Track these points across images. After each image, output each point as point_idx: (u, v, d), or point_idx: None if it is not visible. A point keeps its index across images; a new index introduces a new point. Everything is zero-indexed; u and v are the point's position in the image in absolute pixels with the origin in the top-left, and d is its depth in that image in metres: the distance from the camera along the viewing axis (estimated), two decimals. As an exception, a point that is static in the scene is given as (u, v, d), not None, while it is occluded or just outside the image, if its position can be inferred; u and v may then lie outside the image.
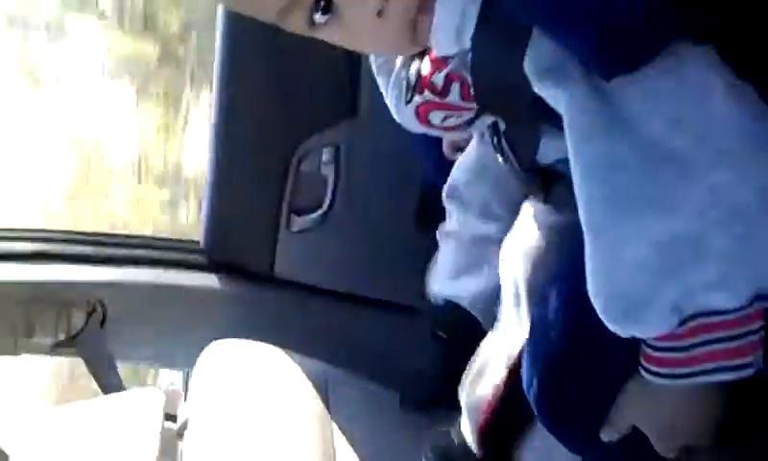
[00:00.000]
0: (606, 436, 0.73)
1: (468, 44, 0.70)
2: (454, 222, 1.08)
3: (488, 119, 0.82)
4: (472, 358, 0.97)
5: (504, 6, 0.66)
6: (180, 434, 1.20)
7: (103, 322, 1.44)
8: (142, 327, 1.48)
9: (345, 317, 1.48)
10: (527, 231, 0.85)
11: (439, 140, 1.13)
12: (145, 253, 1.49)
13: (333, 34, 0.72)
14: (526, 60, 0.65)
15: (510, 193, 0.92)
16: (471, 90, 0.76)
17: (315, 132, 1.38)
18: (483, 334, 0.97)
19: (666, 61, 0.60)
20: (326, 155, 1.38)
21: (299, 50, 1.31)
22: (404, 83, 0.82)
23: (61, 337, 1.41)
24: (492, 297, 0.93)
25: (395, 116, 0.88)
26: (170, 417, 1.22)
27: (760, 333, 0.63)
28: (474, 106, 0.80)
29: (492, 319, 0.94)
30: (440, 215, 1.14)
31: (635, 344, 0.67)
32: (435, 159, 1.15)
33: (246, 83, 1.36)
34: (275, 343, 1.32)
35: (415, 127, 0.86)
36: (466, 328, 0.99)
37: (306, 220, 1.43)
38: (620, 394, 0.71)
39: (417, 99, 0.82)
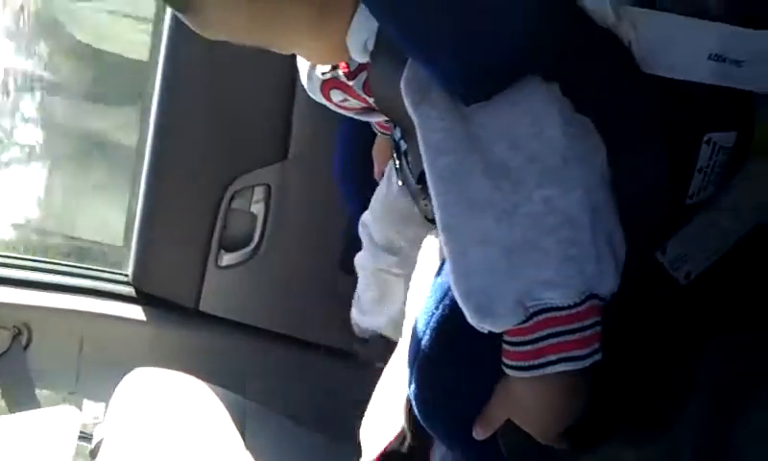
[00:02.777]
0: (478, 433, 0.78)
1: None
2: (364, 253, 1.15)
3: (380, 116, 0.91)
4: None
5: (389, 35, 0.77)
6: (93, 454, 1.21)
7: (27, 345, 1.46)
8: (66, 354, 1.50)
9: (265, 354, 1.52)
10: (423, 262, 0.91)
11: (364, 185, 1.21)
12: (74, 281, 1.52)
13: None
14: (402, 78, 0.74)
15: (412, 229, 0.99)
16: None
17: (247, 171, 1.43)
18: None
19: (514, 94, 0.71)
20: (258, 194, 1.44)
21: (235, 90, 1.38)
22: None
23: (-16, 357, 1.42)
24: None
25: (303, 82, 0.98)
26: (85, 437, 1.24)
27: (595, 328, 0.71)
28: (371, 100, 0.90)
29: None
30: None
31: (500, 344, 0.73)
32: (359, 203, 1.22)
33: (182, 120, 1.42)
34: (196, 375, 1.35)
35: (317, 97, 0.97)
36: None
37: (235, 256, 1.47)
38: (493, 391, 0.77)
39: (327, 74, 0.93)
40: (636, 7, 0.75)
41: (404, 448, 0.92)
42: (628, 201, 0.74)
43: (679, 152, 0.78)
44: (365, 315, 1.18)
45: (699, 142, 0.78)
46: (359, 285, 1.18)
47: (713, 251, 0.83)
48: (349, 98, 0.95)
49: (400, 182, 1.01)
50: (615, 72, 0.76)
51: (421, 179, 0.77)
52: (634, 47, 0.75)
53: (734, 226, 0.82)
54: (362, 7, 0.80)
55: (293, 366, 1.52)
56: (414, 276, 0.96)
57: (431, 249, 0.91)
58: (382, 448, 0.95)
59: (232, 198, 1.44)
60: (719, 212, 0.82)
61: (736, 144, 0.80)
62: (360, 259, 1.17)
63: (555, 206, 0.69)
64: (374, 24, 0.80)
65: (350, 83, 0.92)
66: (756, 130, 0.80)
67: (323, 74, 0.96)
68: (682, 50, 0.75)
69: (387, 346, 1.12)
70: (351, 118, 1.06)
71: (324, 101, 0.98)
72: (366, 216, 1.17)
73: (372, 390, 1.05)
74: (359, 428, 1.05)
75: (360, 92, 0.92)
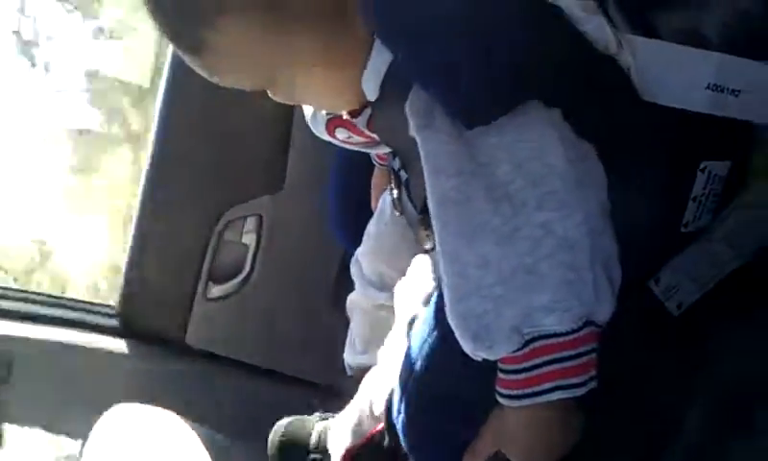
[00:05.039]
0: None
1: None
2: (357, 290, 1.13)
3: (384, 148, 0.90)
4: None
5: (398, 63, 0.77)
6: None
7: (7, 378, 1.42)
8: (46, 388, 1.46)
9: (251, 390, 1.49)
10: (416, 279, 0.91)
11: (357, 218, 1.20)
12: (59, 312, 1.50)
13: None
14: (407, 103, 0.75)
15: (403, 264, 0.98)
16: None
17: (241, 201, 1.42)
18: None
19: (516, 118, 0.72)
20: (249, 224, 1.43)
21: (232, 120, 1.38)
22: None
23: (-38, 387, 1.39)
24: None
25: (307, 121, 0.98)
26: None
27: (591, 355, 0.71)
28: (374, 136, 0.90)
29: None
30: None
31: (494, 373, 0.72)
32: (351, 238, 1.21)
33: (178, 150, 1.41)
34: (179, 411, 1.33)
35: (323, 136, 0.97)
36: None
37: (224, 288, 1.46)
38: (485, 421, 0.76)
39: (331, 114, 0.93)
40: (637, 35, 0.77)
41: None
42: (622, 228, 0.74)
43: (674, 180, 0.79)
44: (358, 355, 1.16)
45: (694, 170, 0.79)
46: (352, 325, 1.16)
47: (706, 281, 0.83)
48: (354, 135, 0.95)
49: (398, 213, 1.01)
50: (614, 99, 0.77)
51: (425, 209, 0.77)
52: (633, 75, 0.77)
53: (728, 255, 0.82)
54: (376, 45, 0.79)
55: (278, 402, 1.49)
56: (398, 286, 0.95)
57: (422, 267, 0.90)
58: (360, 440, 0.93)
59: (224, 228, 1.43)
60: (713, 242, 0.83)
61: (731, 173, 0.81)
62: (353, 297, 1.16)
63: (554, 229, 0.69)
64: (387, 61, 0.80)
65: (354, 120, 0.92)
66: (759, 158, 0.81)
67: (327, 114, 0.96)
68: (679, 79, 0.77)
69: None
70: (345, 153, 1.06)
71: (329, 139, 0.98)
72: (358, 251, 1.16)
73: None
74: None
75: (364, 129, 0.92)
